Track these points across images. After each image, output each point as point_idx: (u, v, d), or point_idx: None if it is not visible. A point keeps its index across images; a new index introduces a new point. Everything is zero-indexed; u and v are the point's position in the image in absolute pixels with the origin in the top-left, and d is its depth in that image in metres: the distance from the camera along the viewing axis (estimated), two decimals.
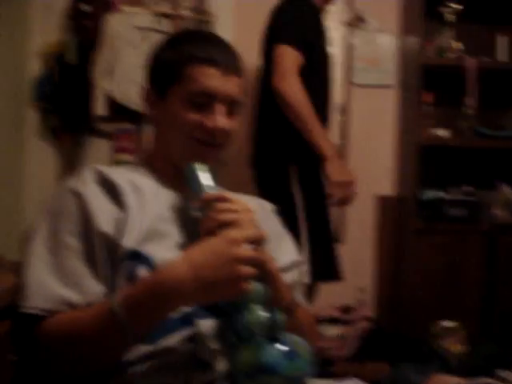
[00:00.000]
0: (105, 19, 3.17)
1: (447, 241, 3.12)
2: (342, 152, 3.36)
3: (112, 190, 1.16)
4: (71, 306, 1.06)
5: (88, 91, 3.14)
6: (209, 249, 1.01)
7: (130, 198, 1.15)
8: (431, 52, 3.29)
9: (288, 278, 1.23)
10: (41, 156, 3.28)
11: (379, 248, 3.48)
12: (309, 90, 2.46)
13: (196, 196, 1.15)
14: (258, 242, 1.05)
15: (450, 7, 3.27)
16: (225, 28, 3.09)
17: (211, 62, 1.20)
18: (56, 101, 3.21)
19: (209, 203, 1.10)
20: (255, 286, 1.04)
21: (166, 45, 1.29)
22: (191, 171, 1.18)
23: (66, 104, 3.18)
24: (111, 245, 1.10)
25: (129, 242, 1.10)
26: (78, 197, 1.13)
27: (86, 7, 3.19)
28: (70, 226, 1.11)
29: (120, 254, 1.09)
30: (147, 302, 0.99)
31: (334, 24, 3.43)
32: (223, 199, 1.10)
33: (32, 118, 3.30)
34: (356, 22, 3.45)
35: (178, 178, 1.23)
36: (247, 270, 0.99)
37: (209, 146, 1.22)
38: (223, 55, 1.23)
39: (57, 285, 1.07)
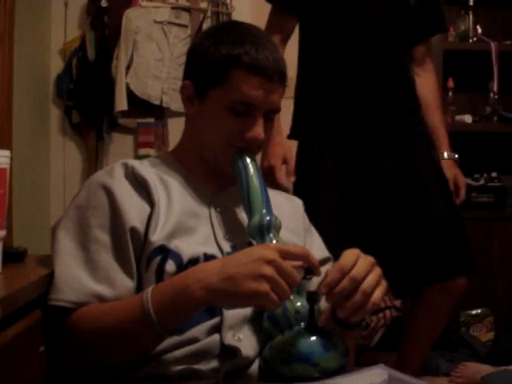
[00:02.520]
0: (124, 14, 3.19)
1: (473, 228, 3.08)
2: None
3: (142, 186, 1.15)
4: (102, 299, 1.06)
5: (109, 87, 3.16)
6: (245, 250, 1.03)
7: (158, 194, 1.15)
8: (452, 37, 3.25)
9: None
10: (65, 152, 3.31)
11: None
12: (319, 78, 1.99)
13: (245, 181, 1.17)
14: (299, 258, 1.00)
15: None
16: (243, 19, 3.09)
17: (257, 70, 1.16)
18: (77, 97, 3.23)
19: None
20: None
21: (212, 40, 1.22)
22: (241, 160, 1.19)
23: (87, 100, 3.20)
24: (140, 240, 1.10)
25: (157, 237, 1.10)
26: (108, 192, 1.13)
27: (105, 3, 3.20)
28: (99, 220, 1.11)
29: (149, 249, 1.09)
30: (175, 298, 0.99)
31: None
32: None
33: (55, 114, 3.33)
34: None
35: (207, 174, 1.24)
36: (271, 271, 0.93)
37: (244, 151, 1.20)
38: (271, 62, 1.17)
39: (87, 279, 1.07)
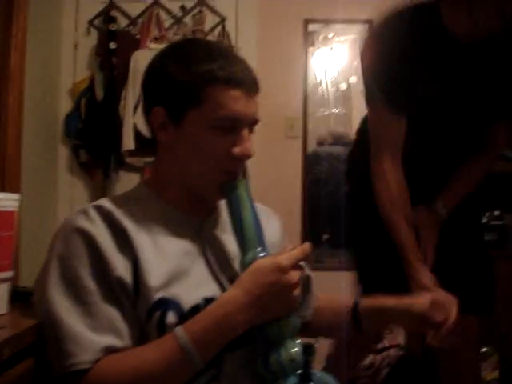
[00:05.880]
0: (132, 56, 3.25)
1: None
2: None
3: (121, 235, 1.07)
4: (112, 350, 1.01)
5: (116, 126, 3.22)
6: (261, 281, 1.04)
7: (141, 241, 1.07)
8: None
9: (307, 296, 1.32)
10: (72, 190, 3.36)
11: None
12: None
13: (238, 215, 1.12)
14: (302, 258, 1.07)
15: None
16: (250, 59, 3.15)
17: (235, 83, 1.10)
18: (85, 136, 3.28)
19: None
20: (293, 320, 1.07)
21: (176, 60, 1.14)
22: (235, 190, 1.13)
23: (95, 139, 3.26)
24: (128, 291, 1.04)
25: (154, 288, 1.04)
26: (88, 238, 1.04)
27: (114, 45, 3.28)
28: (86, 269, 1.03)
29: (146, 302, 1.04)
30: (215, 334, 1.01)
31: (356, 53, 3.47)
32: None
33: (63, 153, 3.38)
34: None
35: (190, 204, 1.18)
36: (298, 295, 1.06)
37: (233, 174, 1.14)
38: (245, 73, 1.12)
39: (93, 334, 1.01)
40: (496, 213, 3.21)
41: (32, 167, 2.93)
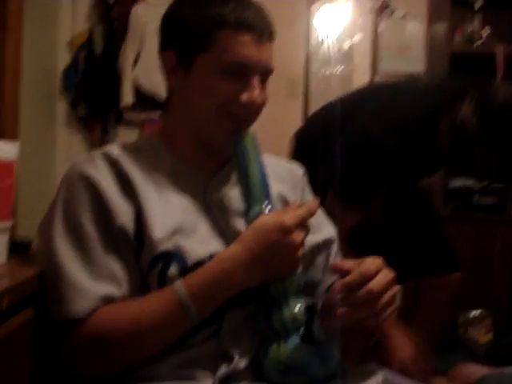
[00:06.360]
0: (132, 9, 3.20)
1: (475, 229, 3.10)
2: None
3: (127, 183, 1.07)
4: (111, 299, 1.01)
5: (115, 80, 3.18)
6: (262, 239, 1.02)
7: (146, 192, 1.07)
8: (459, 39, 3.26)
9: (320, 259, 1.23)
10: (70, 144, 3.34)
11: None
12: None
13: (244, 167, 1.09)
14: (309, 217, 1.04)
15: None
16: None
17: (245, 27, 1.06)
18: (84, 90, 3.25)
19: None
20: (297, 279, 1.06)
21: (190, 4, 1.12)
22: (240, 142, 1.10)
23: (94, 93, 3.23)
24: (130, 240, 1.04)
25: (157, 240, 1.03)
26: (93, 185, 1.04)
27: None
28: (89, 215, 1.03)
29: (149, 252, 1.03)
30: (213, 289, 1.00)
31: (360, 11, 3.42)
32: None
33: (61, 107, 3.35)
34: (383, 9, 3.43)
35: (199, 156, 1.16)
36: (301, 253, 1.03)
37: (241, 121, 1.11)
38: (257, 18, 1.08)
39: (92, 282, 1.01)
40: None
41: (30, 119, 2.90)
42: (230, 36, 1.06)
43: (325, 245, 1.24)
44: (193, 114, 1.12)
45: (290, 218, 1.01)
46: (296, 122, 3.41)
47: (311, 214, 1.04)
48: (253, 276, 1.02)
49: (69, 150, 3.32)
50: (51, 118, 3.32)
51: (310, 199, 1.27)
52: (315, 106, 3.44)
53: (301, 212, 1.03)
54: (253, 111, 1.11)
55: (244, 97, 1.08)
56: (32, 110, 2.97)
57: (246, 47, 1.06)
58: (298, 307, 1.04)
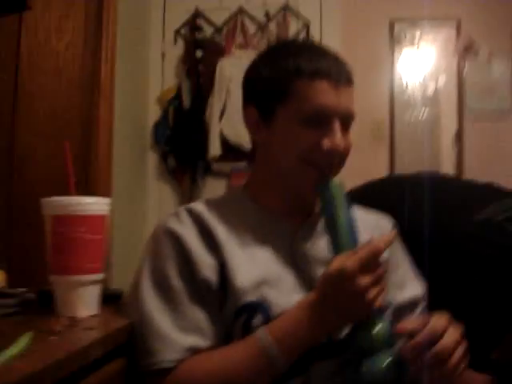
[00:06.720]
0: (218, 63, 3.30)
1: None
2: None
3: (211, 239, 1.08)
4: (196, 351, 1.03)
5: (203, 133, 3.26)
6: (329, 287, 0.98)
7: (231, 247, 1.08)
8: None
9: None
10: (161, 196, 3.43)
11: None
12: None
13: (330, 215, 1.06)
14: (372, 259, 0.97)
15: None
16: None
17: (321, 74, 1.07)
18: (173, 143, 3.35)
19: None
20: (382, 328, 1.02)
21: (266, 59, 1.15)
22: (327, 190, 1.08)
23: (183, 146, 3.32)
24: (216, 292, 1.05)
25: (239, 291, 1.04)
26: (177, 239, 1.07)
27: (200, 53, 3.33)
28: (175, 269, 1.06)
29: (234, 303, 1.04)
30: (294, 335, 0.99)
31: (444, 53, 3.38)
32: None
33: (152, 160, 3.47)
34: (468, 50, 3.38)
35: (285, 207, 1.15)
36: (373, 296, 0.96)
37: (326, 168, 1.09)
38: (333, 64, 1.09)
39: (179, 334, 1.02)
40: None
41: (122, 173, 3.01)
42: (306, 84, 1.07)
43: (410, 305, 1.20)
44: (277, 164, 1.12)
45: (351, 262, 0.95)
46: (383, 168, 3.40)
47: (375, 254, 0.97)
48: (327, 322, 1.00)
49: (159, 201, 3.42)
50: (143, 171, 3.43)
51: (399, 254, 1.24)
52: (401, 150, 3.43)
53: (362, 255, 0.96)
54: (336, 157, 1.09)
55: (326, 143, 1.07)
56: (124, 164, 3.07)
57: (323, 94, 1.06)
58: (386, 362, 1.00)
